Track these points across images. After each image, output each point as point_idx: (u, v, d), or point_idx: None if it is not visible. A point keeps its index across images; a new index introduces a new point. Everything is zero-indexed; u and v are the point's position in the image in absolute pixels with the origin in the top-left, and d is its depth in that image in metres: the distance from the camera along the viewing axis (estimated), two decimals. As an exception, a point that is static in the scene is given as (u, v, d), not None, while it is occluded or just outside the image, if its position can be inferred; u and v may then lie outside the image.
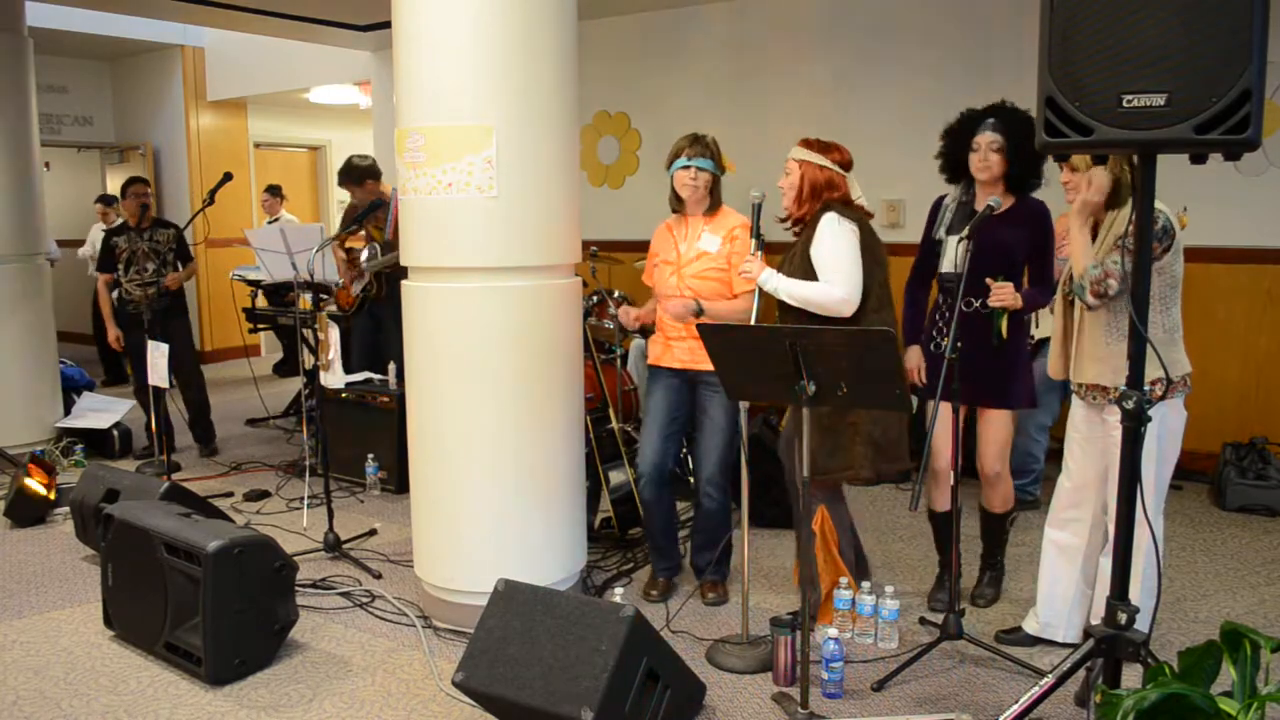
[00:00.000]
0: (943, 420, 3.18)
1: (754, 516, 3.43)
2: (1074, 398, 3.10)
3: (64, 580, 4.04)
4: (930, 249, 3.49)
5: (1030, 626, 3.27)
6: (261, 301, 7.49)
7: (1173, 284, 2.87)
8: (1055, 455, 3.63)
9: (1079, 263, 2.91)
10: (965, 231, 3.05)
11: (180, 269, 5.79)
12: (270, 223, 8.46)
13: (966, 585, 3.68)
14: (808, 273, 3.28)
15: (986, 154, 3.26)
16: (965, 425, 3.35)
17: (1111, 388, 2.92)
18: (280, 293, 7.20)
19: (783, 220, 3.46)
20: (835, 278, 3.23)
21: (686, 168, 3.50)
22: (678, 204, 3.61)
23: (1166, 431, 2.90)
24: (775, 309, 3.40)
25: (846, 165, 3.36)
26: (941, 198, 3.52)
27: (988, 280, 3.19)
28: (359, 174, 5.65)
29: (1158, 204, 2.86)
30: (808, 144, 3.38)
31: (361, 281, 5.75)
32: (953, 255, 3.32)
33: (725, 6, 6.51)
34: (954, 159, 3.41)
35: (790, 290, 3.26)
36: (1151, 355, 2.85)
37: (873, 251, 3.30)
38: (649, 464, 3.63)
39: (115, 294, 5.82)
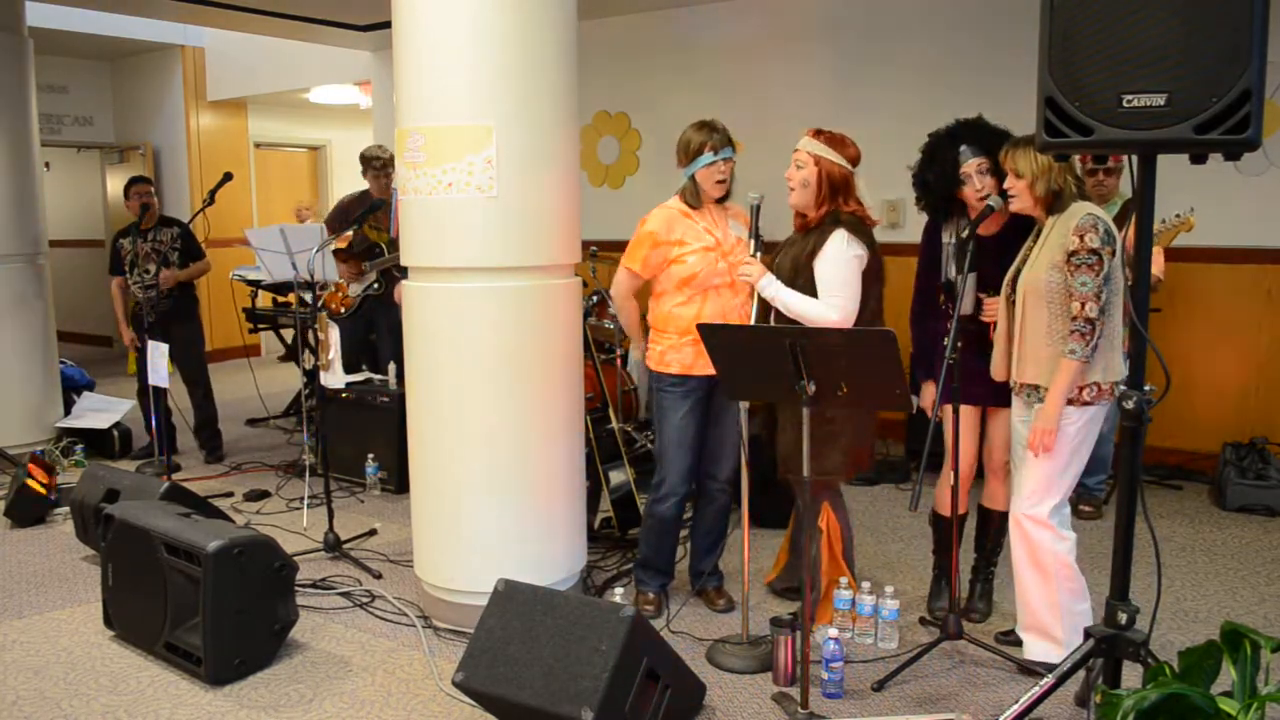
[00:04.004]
0: (964, 425, 3.19)
1: (753, 516, 3.41)
2: (1013, 396, 3.10)
3: (64, 580, 4.04)
4: (930, 280, 3.43)
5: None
6: (262, 301, 7.48)
7: (1115, 290, 2.86)
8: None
9: (1039, 347, 2.93)
10: (965, 233, 3.04)
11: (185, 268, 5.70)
12: None
13: (962, 594, 3.65)
14: (795, 279, 3.23)
15: (979, 179, 3.19)
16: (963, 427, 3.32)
17: (1044, 387, 2.94)
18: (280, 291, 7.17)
19: (801, 220, 3.32)
20: (836, 301, 3.17)
21: (715, 163, 3.32)
22: (698, 199, 3.38)
23: (1091, 435, 2.95)
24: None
25: (856, 160, 3.24)
26: (934, 234, 3.44)
27: (979, 295, 3.22)
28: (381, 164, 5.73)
29: (1094, 210, 2.86)
30: (820, 136, 3.24)
31: (362, 283, 5.75)
32: (971, 299, 3.25)
33: (725, 6, 6.51)
34: (940, 195, 3.33)
35: (788, 302, 3.19)
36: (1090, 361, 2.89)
37: (877, 271, 3.26)
38: (681, 482, 3.47)
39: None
